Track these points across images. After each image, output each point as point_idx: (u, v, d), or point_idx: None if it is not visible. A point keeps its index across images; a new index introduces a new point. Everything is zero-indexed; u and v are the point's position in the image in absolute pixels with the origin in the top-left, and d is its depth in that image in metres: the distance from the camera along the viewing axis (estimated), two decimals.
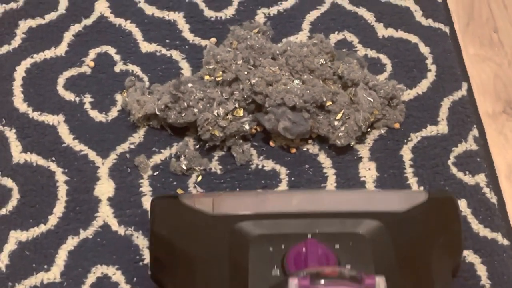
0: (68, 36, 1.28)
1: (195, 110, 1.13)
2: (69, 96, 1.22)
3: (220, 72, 1.16)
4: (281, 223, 0.97)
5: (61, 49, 1.26)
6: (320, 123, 1.15)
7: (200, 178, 1.13)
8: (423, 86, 1.24)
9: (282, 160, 1.16)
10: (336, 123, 1.14)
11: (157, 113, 1.15)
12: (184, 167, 1.13)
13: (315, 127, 1.15)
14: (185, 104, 1.13)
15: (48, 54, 1.26)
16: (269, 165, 1.15)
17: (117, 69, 1.25)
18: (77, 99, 1.21)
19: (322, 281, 0.78)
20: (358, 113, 1.14)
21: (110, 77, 1.23)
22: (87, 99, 1.21)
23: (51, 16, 1.30)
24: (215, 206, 0.99)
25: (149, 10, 1.32)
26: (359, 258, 0.92)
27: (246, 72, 1.15)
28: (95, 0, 1.32)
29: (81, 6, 1.31)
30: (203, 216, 0.99)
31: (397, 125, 1.19)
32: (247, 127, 1.15)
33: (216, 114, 1.12)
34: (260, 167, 1.15)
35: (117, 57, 1.26)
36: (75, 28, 1.29)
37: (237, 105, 1.14)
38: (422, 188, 1.13)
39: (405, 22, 1.31)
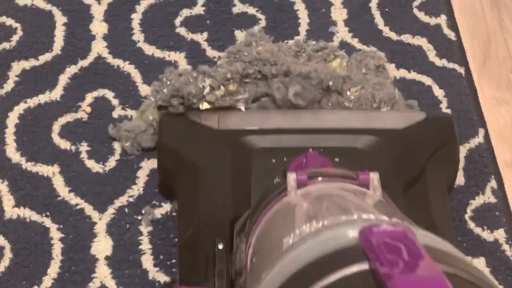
0: (63, 79, 1.22)
1: (177, 85, 1.08)
2: (64, 144, 1.15)
3: (223, 60, 1.16)
4: (284, 138, 1.02)
5: (56, 93, 1.20)
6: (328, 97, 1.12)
7: None
8: None
9: None
10: (348, 93, 1.11)
11: (151, 99, 1.12)
12: None
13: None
14: (165, 80, 1.10)
15: (43, 98, 1.20)
16: None
17: (115, 114, 1.18)
18: (73, 147, 1.15)
19: (320, 178, 0.82)
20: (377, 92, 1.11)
21: (108, 123, 1.17)
22: (84, 147, 1.15)
23: (46, 57, 1.24)
24: (220, 122, 1.04)
25: (149, 50, 1.25)
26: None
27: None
28: (92, 40, 1.26)
29: (77, 46, 1.25)
30: (209, 131, 1.03)
31: None
32: (242, 107, 1.09)
33: (201, 87, 1.07)
34: None
35: (115, 102, 1.20)
36: (71, 70, 1.22)
37: (229, 75, 1.08)
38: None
39: (418, 62, 1.25)
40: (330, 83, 1.10)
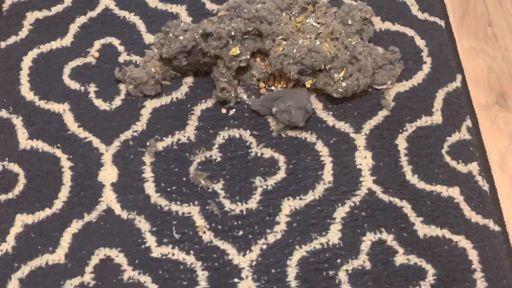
0: (73, 28, 1.31)
1: (181, 38, 1.19)
2: (74, 85, 1.25)
3: (223, 11, 1.25)
4: None
5: (66, 40, 1.30)
6: (318, 77, 1.21)
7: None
8: (418, 77, 1.27)
9: (281, 148, 1.19)
10: (336, 76, 1.21)
11: (155, 50, 1.24)
12: None
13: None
14: (171, 35, 1.20)
15: (54, 45, 1.29)
16: (267, 153, 1.19)
17: (121, 59, 1.28)
18: (82, 88, 1.25)
19: None
20: (361, 75, 1.21)
21: (114, 67, 1.26)
22: (92, 88, 1.25)
23: (58, 9, 1.34)
24: None
25: (153, 3, 1.35)
26: None
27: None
28: None
29: None
30: None
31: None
32: (243, 63, 1.21)
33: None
34: (259, 155, 1.19)
35: (121, 48, 1.29)
36: (81, 20, 1.32)
37: (233, 33, 1.20)
38: None
39: (402, 16, 1.35)
40: (323, 67, 1.21)
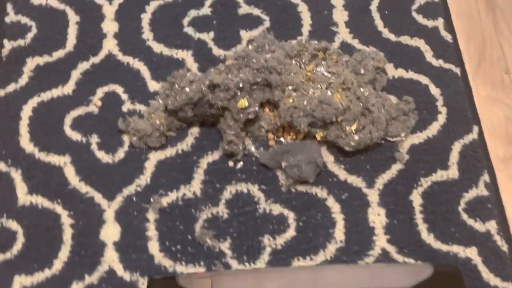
0: (75, 75, 1.27)
1: (187, 90, 1.15)
2: (76, 136, 1.20)
3: (230, 60, 1.20)
4: None
5: (68, 88, 1.25)
6: (329, 130, 1.17)
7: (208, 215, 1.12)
8: (433, 129, 1.22)
9: (290, 204, 1.15)
10: (348, 128, 1.16)
11: (160, 101, 1.20)
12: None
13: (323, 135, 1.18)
14: (177, 87, 1.16)
15: (56, 92, 1.25)
16: (276, 209, 1.14)
17: (124, 108, 1.24)
18: (84, 139, 1.20)
19: None
20: (375, 128, 1.16)
21: (118, 116, 1.22)
22: (94, 139, 1.20)
23: (59, 54, 1.29)
24: (214, 287, 0.98)
25: (158, 48, 1.31)
26: None
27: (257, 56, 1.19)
28: (103, 38, 1.31)
29: (89, 44, 1.30)
30: None
31: None
32: (252, 115, 1.16)
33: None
34: (267, 211, 1.14)
35: (124, 96, 1.25)
36: (83, 66, 1.28)
37: (241, 85, 1.15)
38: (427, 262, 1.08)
39: (416, 62, 1.30)
40: (334, 119, 1.16)
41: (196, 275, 1.01)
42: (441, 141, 1.21)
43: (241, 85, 1.16)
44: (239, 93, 1.16)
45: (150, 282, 1.03)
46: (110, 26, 1.33)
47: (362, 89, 1.19)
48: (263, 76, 1.17)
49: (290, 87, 1.18)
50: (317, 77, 1.20)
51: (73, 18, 1.33)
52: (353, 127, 1.16)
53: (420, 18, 1.35)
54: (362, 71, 1.22)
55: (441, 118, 1.24)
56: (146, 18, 1.34)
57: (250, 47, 1.26)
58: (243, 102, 1.16)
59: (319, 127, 1.17)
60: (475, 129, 1.23)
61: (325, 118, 1.15)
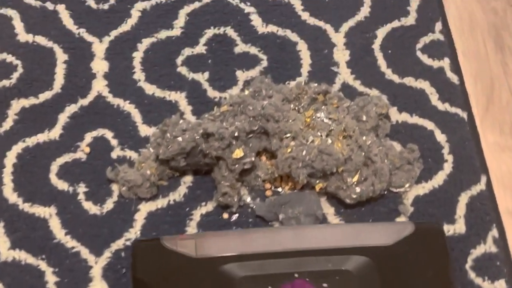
0: (63, 118, 1.21)
1: (179, 139, 1.09)
2: (62, 185, 1.14)
3: (226, 106, 1.15)
4: (267, 264, 0.96)
5: (55, 133, 1.19)
6: (329, 181, 1.11)
7: None
8: (439, 179, 1.16)
9: None
10: (349, 180, 1.10)
11: (151, 150, 1.14)
12: None
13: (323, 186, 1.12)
14: (169, 135, 1.10)
15: (41, 137, 1.19)
16: None
17: (114, 155, 1.17)
18: (71, 188, 1.14)
19: None
20: (377, 180, 1.10)
21: (107, 164, 1.16)
22: (81, 188, 1.14)
23: (46, 96, 1.23)
24: (198, 248, 0.98)
25: (150, 89, 1.24)
26: None
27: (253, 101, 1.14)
28: (93, 78, 1.25)
29: (77, 85, 1.24)
30: (186, 259, 0.97)
31: None
32: (248, 166, 1.11)
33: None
34: None
35: (114, 142, 1.19)
36: (71, 109, 1.22)
37: (236, 134, 1.10)
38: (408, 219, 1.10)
39: (420, 106, 1.24)
40: (335, 170, 1.10)
41: (180, 237, 1.01)
42: (448, 192, 1.15)
43: (236, 134, 1.10)
44: (234, 143, 1.10)
45: (135, 243, 1.03)
46: (100, 65, 1.26)
47: (364, 138, 1.13)
48: (260, 124, 1.11)
49: (288, 135, 1.12)
50: (317, 124, 1.14)
51: (61, 56, 1.27)
52: (355, 179, 1.10)
53: (425, 58, 1.29)
54: (364, 118, 1.16)
55: (447, 167, 1.17)
56: (138, 56, 1.28)
57: (246, 92, 1.20)
58: (238, 152, 1.10)
59: (318, 177, 1.11)
60: (483, 179, 1.17)
61: (325, 169, 1.09)
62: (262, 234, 1.02)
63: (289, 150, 1.11)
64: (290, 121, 1.13)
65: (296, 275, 0.94)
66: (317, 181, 1.11)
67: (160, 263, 0.98)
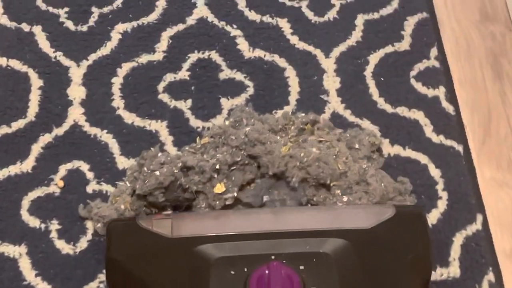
0: (36, 149, 1.14)
1: (157, 173, 1.03)
2: (33, 222, 1.08)
3: (206, 138, 1.11)
4: (243, 245, 0.95)
5: (27, 164, 1.13)
6: (318, 192, 1.06)
7: None
8: (432, 217, 1.10)
9: None
10: (337, 192, 1.06)
11: (127, 183, 1.09)
12: None
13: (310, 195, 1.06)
14: (146, 169, 1.04)
15: (13, 170, 1.12)
16: None
17: (89, 189, 1.11)
18: (43, 225, 1.08)
19: None
20: (366, 198, 1.05)
21: (81, 198, 1.09)
22: (54, 226, 1.08)
23: (19, 124, 1.16)
24: (174, 228, 0.96)
25: (129, 118, 1.18)
26: (324, 279, 0.91)
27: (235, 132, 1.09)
28: (69, 105, 1.19)
29: (52, 112, 1.18)
30: (161, 240, 0.95)
31: None
32: (230, 201, 1.05)
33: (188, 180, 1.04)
34: None
35: (90, 175, 1.12)
36: (45, 139, 1.15)
37: (217, 167, 1.04)
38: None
39: (414, 138, 1.17)
40: (328, 181, 1.05)
41: (156, 216, 0.99)
42: (442, 232, 1.09)
43: (217, 167, 1.04)
44: (215, 176, 1.04)
45: (110, 223, 1.00)
46: (77, 91, 1.20)
47: (358, 163, 1.07)
48: (245, 153, 1.04)
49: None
50: (307, 146, 1.08)
51: (36, 82, 1.20)
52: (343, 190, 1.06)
53: (419, 86, 1.23)
54: (357, 146, 1.11)
55: (441, 205, 1.11)
56: (117, 82, 1.21)
57: (226, 122, 1.13)
58: (219, 187, 1.04)
59: (309, 186, 1.05)
60: (479, 217, 1.11)
61: (319, 177, 1.04)
62: (239, 216, 1.01)
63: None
64: (277, 145, 1.07)
65: (272, 257, 0.92)
66: (306, 192, 1.05)
67: (135, 242, 0.97)
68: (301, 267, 0.91)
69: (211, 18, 1.29)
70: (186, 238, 0.95)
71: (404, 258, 0.95)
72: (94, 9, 1.29)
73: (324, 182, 1.05)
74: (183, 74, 1.23)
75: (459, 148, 1.17)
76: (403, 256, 0.96)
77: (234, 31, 1.27)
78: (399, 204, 1.05)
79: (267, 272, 0.88)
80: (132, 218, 1.00)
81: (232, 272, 0.91)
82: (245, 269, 0.91)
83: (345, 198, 1.05)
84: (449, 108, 1.21)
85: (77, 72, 1.22)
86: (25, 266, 1.04)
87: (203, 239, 0.95)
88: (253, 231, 0.97)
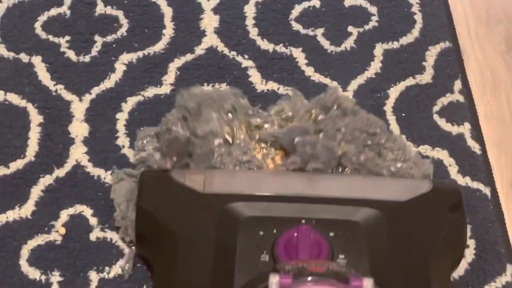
0: (36, 192, 1.07)
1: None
2: (33, 273, 1.01)
3: None
4: (275, 206, 0.94)
5: (27, 209, 1.06)
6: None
7: None
8: (460, 269, 1.03)
9: None
10: (389, 155, 1.04)
11: None
12: None
13: None
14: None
15: (11, 215, 1.05)
16: None
17: (93, 237, 1.04)
18: (43, 277, 1.01)
19: (307, 279, 0.76)
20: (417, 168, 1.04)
21: (84, 247, 1.03)
22: (55, 277, 1.01)
23: (17, 165, 1.09)
24: (207, 184, 0.96)
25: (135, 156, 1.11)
26: (353, 248, 0.90)
27: None
28: (71, 144, 1.11)
29: (53, 152, 1.11)
30: (192, 194, 0.95)
31: None
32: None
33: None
34: None
35: (93, 221, 1.05)
36: (45, 181, 1.08)
37: None
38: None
39: (439, 179, 1.10)
40: (377, 130, 1.03)
41: (189, 171, 0.99)
42: (469, 284, 1.02)
43: None
44: None
45: (143, 173, 1.00)
46: (79, 128, 1.13)
47: None
48: None
49: None
50: None
51: (35, 118, 1.13)
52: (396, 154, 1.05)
53: (443, 123, 1.16)
54: None
55: (469, 254, 1.04)
56: (122, 118, 1.14)
57: None
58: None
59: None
60: (509, 268, 1.04)
61: (369, 130, 1.04)
62: (273, 177, 1.00)
63: None
64: None
65: (303, 221, 0.91)
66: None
67: (166, 194, 0.97)
68: (331, 234, 0.90)
69: (221, 47, 1.22)
70: (217, 194, 0.95)
71: (437, 235, 0.94)
72: (97, 37, 1.22)
73: (374, 132, 1.03)
74: None
75: (486, 191, 1.10)
76: (436, 232, 0.94)
77: (246, 62, 1.20)
78: (437, 180, 1.03)
79: (295, 235, 0.87)
80: (165, 170, 0.99)
81: (261, 233, 0.90)
82: (274, 231, 0.90)
83: (399, 165, 1.03)
84: (475, 147, 1.14)
85: (79, 107, 1.15)
86: None
87: (235, 197, 0.94)
88: (286, 194, 0.96)
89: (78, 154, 1.11)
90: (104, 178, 1.09)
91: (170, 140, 1.01)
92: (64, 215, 1.06)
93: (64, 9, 1.24)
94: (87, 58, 1.20)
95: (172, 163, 1.01)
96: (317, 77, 1.20)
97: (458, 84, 1.20)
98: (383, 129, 1.05)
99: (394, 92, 1.19)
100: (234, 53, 1.21)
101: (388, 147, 1.04)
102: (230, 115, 1.04)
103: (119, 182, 1.05)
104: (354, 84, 1.19)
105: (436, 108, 1.17)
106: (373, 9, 1.27)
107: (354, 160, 1.02)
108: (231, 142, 1.02)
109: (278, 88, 1.18)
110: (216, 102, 1.04)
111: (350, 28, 1.25)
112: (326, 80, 1.19)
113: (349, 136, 1.03)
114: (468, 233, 1.06)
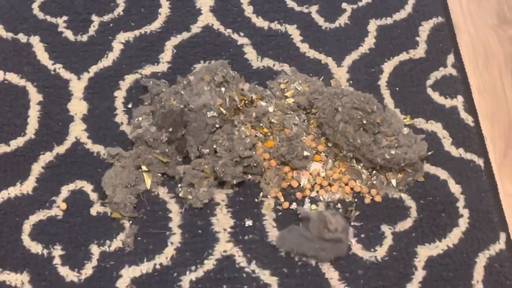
0: (36, 169, 1.09)
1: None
2: (35, 247, 1.03)
3: None
4: None
5: (28, 186, 1.07)
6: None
7: None
8: (454, 237, 1.05)
9: None
10: (384, 141, 1.06)
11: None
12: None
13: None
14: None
15: (13, 191, 1.07)
16: None
17: (93, 211, 1.06)
18: (45, 251, 1.03)
19: None
20: (412, 150, 1.06)
21: (85, 222, 1.04)
22: (57, 251, 1.03)
23: (18, 142, 1.11)
24: None
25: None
26: None
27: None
28: (70, 121, 1.13)
29: (53, 129, 1.12)
30: None
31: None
32: None
33: None
34: None
35: (93, 196, 1.07)
36: (46, 157, 1.10)
37: None
38: None
39: (433, 152, 1.12)
40: (374, 107, 1.05)
41: None
42: (464, 252, 1.04)
43: None
44: None
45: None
46: (78, 106, 1.14)
47: None
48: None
49: None
50: None
51: (35, 97, 1.15)
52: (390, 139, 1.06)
53: (436, 96, 1.17)
54: None
55: (463, 223, 1.06)
56: (120, 96, 1.16)
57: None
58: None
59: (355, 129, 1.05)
60: (502, 236, 1.06)
61: (366, 108, 1.05)
62: None
63: None
64: None
65: None
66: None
67: None
68: None
69: (216, 25, 1.23)
70: None
71: None
72: (94, 17, 1.23)
73: (371, 109, 1.04)
74: None
75: (480, 162, 1.12)
76: None
77: (242, 39, 1.22)
78: None
79: None
80: None
81: None
82: None
83: (392, 152, 1.04)
84: (468, 119, 1.15)
85: (78, 86, 1.16)
86: None
87: None
88: None
89: (77, 131, 1.12)
90: (103, 155, 1.10)
91: (164, 113, 1.03)
92: (65, 191, 1.07)
93: None
94: (84, 38, 1.21)
95: (168, 134, 1.02)
96: (312, 54, 1.21)
97: (451, 58, 1.21)
98: (379, 107, 1.06)
99: (388, 67, 1.20)
100: (229, 30, 1.22)
101: (383, 131, 1.05)
102: (223, 88, 1.06)
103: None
104: (348, 60, 1.20)
105: (429, 82, 1.19)
106: None
107: (351, 141, 1.04)
108: (224, 113, 1.04)
109: (273, 65, 1.19)
110: (206, 75, 1.05)
111: (344, 5, 1.26)
112: (321, 56, 1.20)
113: (346, 116, 1.04)
114: (462, 203, 1.08)
